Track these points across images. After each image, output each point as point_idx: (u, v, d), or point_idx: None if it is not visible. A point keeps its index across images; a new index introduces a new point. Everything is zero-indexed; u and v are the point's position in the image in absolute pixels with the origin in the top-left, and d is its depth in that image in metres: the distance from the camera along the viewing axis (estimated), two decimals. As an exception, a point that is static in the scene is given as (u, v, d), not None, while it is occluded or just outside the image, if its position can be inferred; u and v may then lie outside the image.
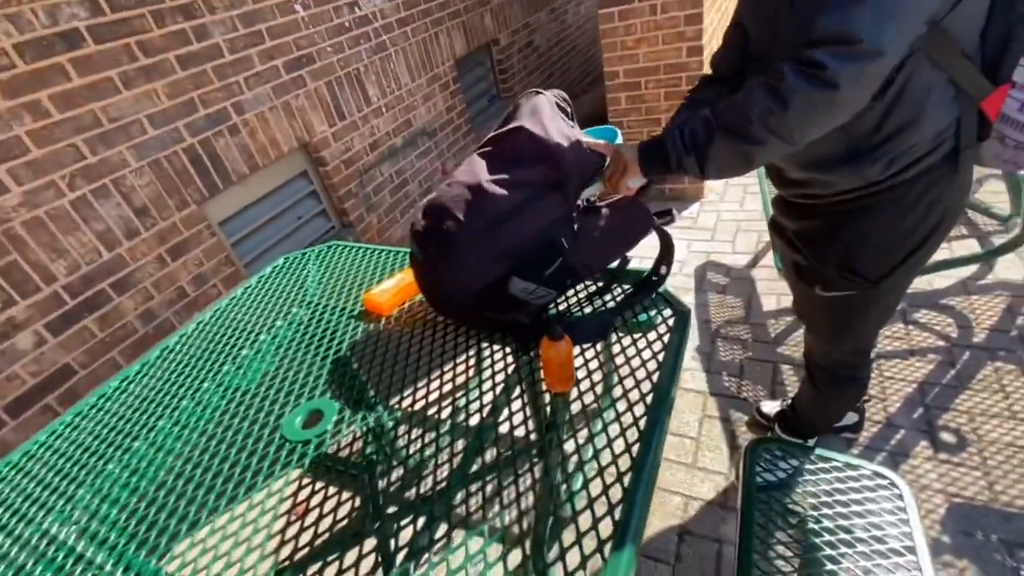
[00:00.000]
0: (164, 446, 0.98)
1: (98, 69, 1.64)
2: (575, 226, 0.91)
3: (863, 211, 0.92)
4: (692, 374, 1.90)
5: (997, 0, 0.74)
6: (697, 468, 1.58)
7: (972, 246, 2.10)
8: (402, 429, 0.88)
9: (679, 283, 2.38)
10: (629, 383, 0.84)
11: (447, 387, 0.95)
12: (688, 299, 2.26)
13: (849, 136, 0.84)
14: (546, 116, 0.93)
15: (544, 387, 0.89)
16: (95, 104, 1.64)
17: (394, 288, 1.25)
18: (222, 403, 1.05)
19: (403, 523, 0.72)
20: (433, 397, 0.94)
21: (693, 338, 2.05)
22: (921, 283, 2.02)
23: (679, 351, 0.88)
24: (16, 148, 1.48)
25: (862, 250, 0.95)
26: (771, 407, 1.63)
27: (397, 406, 0.93)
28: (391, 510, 0.76)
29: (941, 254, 2.07)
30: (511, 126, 0.95)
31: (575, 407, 0.84)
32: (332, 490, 0.82)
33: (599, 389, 0.86)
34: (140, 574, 0.74)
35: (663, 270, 1.01)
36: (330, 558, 0.69)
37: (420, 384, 0.97)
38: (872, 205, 0.91)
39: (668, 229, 1.02)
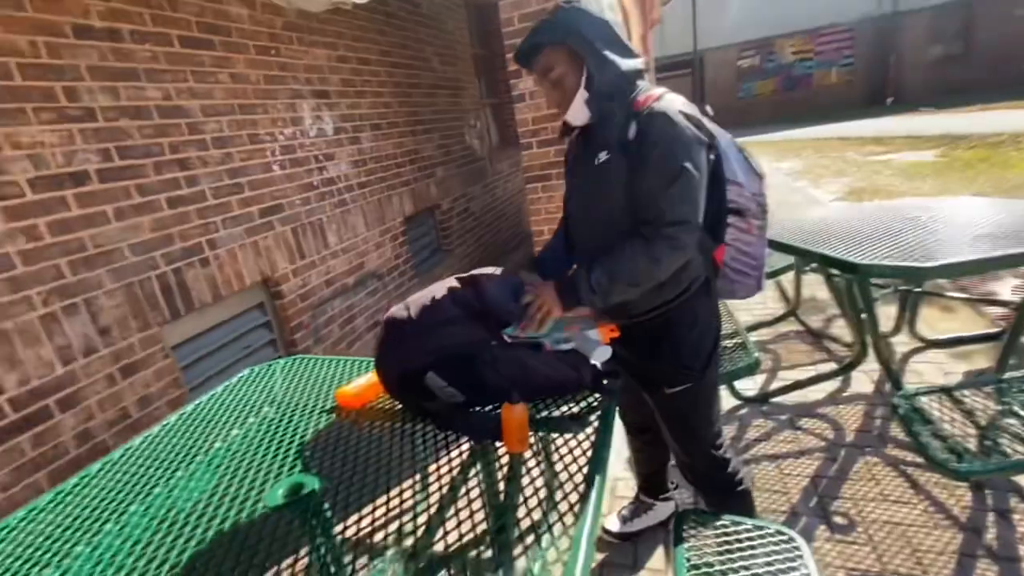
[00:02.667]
0: (124, 541, 1.01)
1: (96, 203, 1.85)
2: (493, 352, 1.15)
3: (669, 323, 1.28)
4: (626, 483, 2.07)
5: (713, 192, 1.19)
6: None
7: (831, 367, 2.58)
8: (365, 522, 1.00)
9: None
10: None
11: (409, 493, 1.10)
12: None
13: None
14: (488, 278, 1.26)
15: (503, 450, 1.07)
16: (85, 232, 1.82)
17: (365, 384, 1.41)
18: (194, 495, 1.11)
19: None
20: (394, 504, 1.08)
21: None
22: (799, 397, 2.42)
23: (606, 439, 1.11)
24: (3, 264, 1.59)
25: (682, 347, 1.29)
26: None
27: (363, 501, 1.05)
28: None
29: (808, 373, 2.53)
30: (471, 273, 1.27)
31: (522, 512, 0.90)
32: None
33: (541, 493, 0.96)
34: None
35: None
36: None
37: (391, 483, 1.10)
38: (673, 318, 1.28)
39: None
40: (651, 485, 1.82)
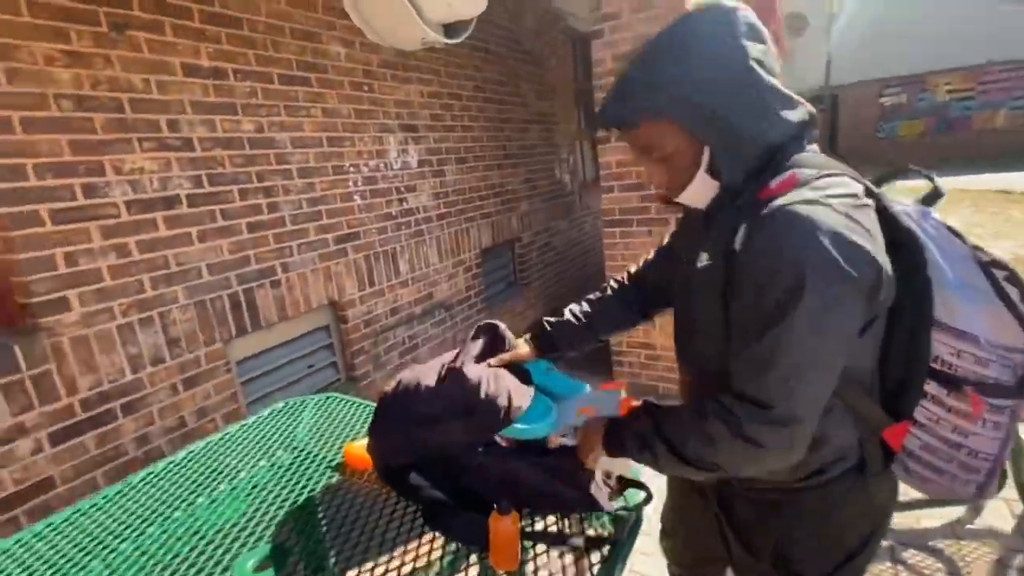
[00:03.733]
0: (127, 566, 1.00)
1: (182, 225, 2.01)
2: (480, 458, 1.03)
3: (784, 507, 0.90)
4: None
5: (893, 340, 0.79)
6: None
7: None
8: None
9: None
10: None
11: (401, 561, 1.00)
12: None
13: None
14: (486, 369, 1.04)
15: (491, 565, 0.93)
16: (170, 251, 1.97)
17: (375, 444, 1.34)
18: (186, 538, 1.10)
19: None
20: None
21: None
22: (909, 520, 1.98)
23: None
24: (93, 277, 1.76)
25: (795, 547, 0.90)
26: None
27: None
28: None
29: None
30: (460, 360, 1.06)
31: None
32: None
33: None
34: None
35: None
36: None
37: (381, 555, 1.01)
38: (791, 503, 0.89)
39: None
40: None
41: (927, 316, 0.76)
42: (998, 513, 1.95)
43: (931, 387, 0.81)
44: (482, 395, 0.94)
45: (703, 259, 0.83)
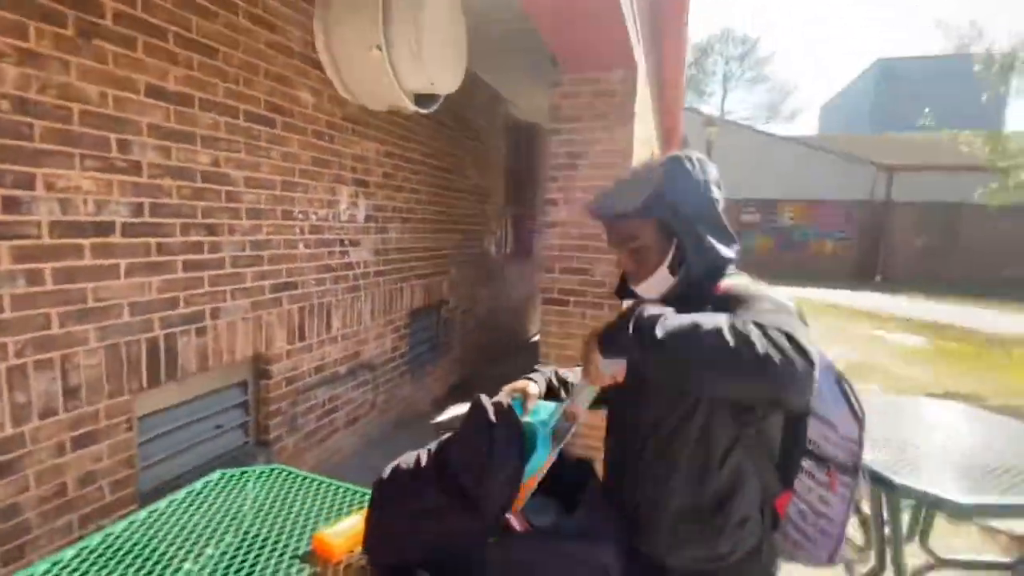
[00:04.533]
0: None
1: (112, 256, 1.75)
2: (490, 552, 0.93)
3: None
4: None
5: (788, 422, 0.98)
6: None
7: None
8: None
9: None
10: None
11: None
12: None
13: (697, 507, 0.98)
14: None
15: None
16: (90, 283, 1.70)
17: (349, 531, 1.22)
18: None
19: None
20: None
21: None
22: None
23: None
24: (-10, 307, 1.45)
25: None
26: None
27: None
28: None
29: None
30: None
31: None
32: None
33: None
34: None
35: None
36: None
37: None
38: None
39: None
40: None
41: (808, 411, 0.98)
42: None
43: (806, 463, 1.01)
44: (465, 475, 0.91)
45: None
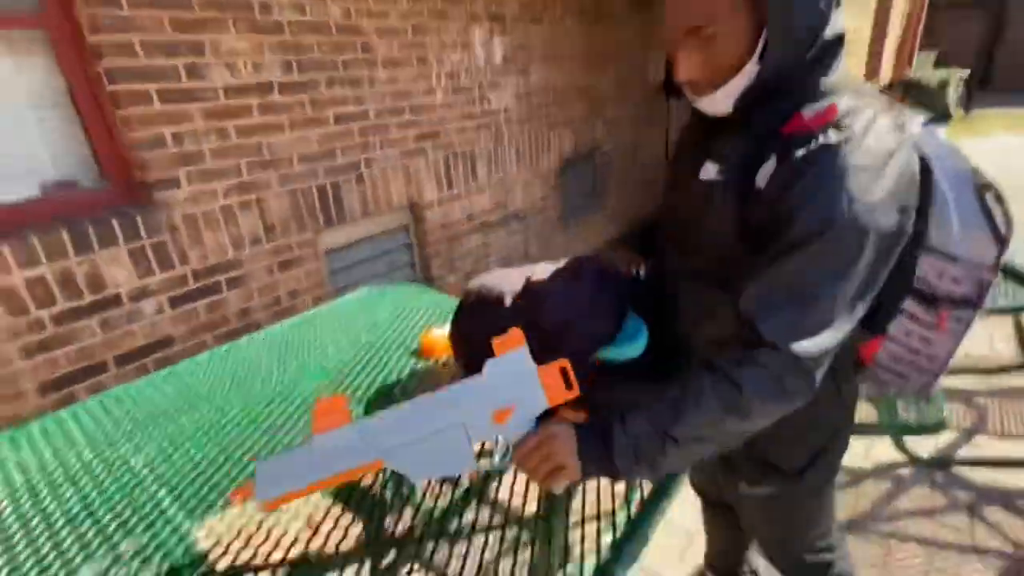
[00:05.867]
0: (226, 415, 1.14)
1: (275, 112, 2.05)
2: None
3: None
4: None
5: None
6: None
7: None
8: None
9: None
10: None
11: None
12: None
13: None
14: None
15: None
16: (263, 138, 2.04)
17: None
18: (276, 400, 1.22)
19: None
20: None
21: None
22: (997, 477, 1.85)
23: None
24: (198, 158, 1.87)
25: (771, 441, 0.84)
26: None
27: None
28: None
29: (1017, 449, 1.90)
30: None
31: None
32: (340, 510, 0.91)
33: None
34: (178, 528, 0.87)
35: None
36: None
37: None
38: None
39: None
40: (721, 566, 1.50)
41: (922, 245, 0.76)
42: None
43: (908, 304, 0.80)
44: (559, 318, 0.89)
45: (710, 171, 0.78)
